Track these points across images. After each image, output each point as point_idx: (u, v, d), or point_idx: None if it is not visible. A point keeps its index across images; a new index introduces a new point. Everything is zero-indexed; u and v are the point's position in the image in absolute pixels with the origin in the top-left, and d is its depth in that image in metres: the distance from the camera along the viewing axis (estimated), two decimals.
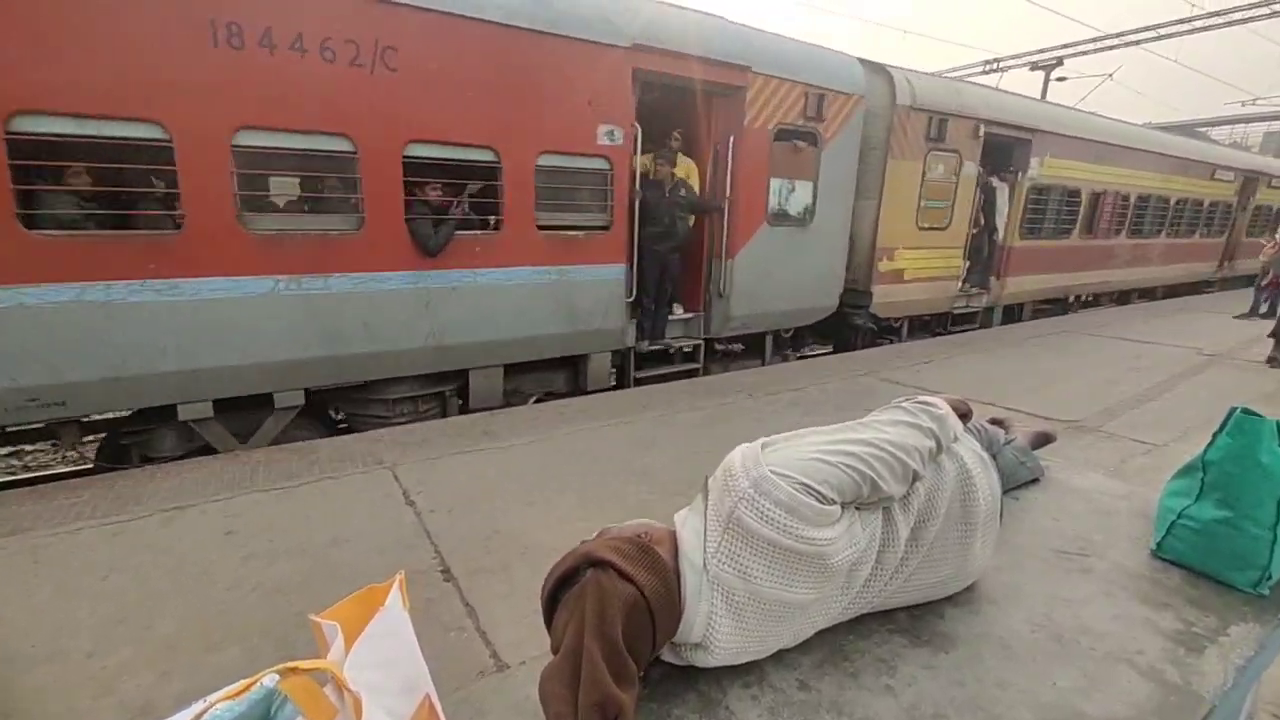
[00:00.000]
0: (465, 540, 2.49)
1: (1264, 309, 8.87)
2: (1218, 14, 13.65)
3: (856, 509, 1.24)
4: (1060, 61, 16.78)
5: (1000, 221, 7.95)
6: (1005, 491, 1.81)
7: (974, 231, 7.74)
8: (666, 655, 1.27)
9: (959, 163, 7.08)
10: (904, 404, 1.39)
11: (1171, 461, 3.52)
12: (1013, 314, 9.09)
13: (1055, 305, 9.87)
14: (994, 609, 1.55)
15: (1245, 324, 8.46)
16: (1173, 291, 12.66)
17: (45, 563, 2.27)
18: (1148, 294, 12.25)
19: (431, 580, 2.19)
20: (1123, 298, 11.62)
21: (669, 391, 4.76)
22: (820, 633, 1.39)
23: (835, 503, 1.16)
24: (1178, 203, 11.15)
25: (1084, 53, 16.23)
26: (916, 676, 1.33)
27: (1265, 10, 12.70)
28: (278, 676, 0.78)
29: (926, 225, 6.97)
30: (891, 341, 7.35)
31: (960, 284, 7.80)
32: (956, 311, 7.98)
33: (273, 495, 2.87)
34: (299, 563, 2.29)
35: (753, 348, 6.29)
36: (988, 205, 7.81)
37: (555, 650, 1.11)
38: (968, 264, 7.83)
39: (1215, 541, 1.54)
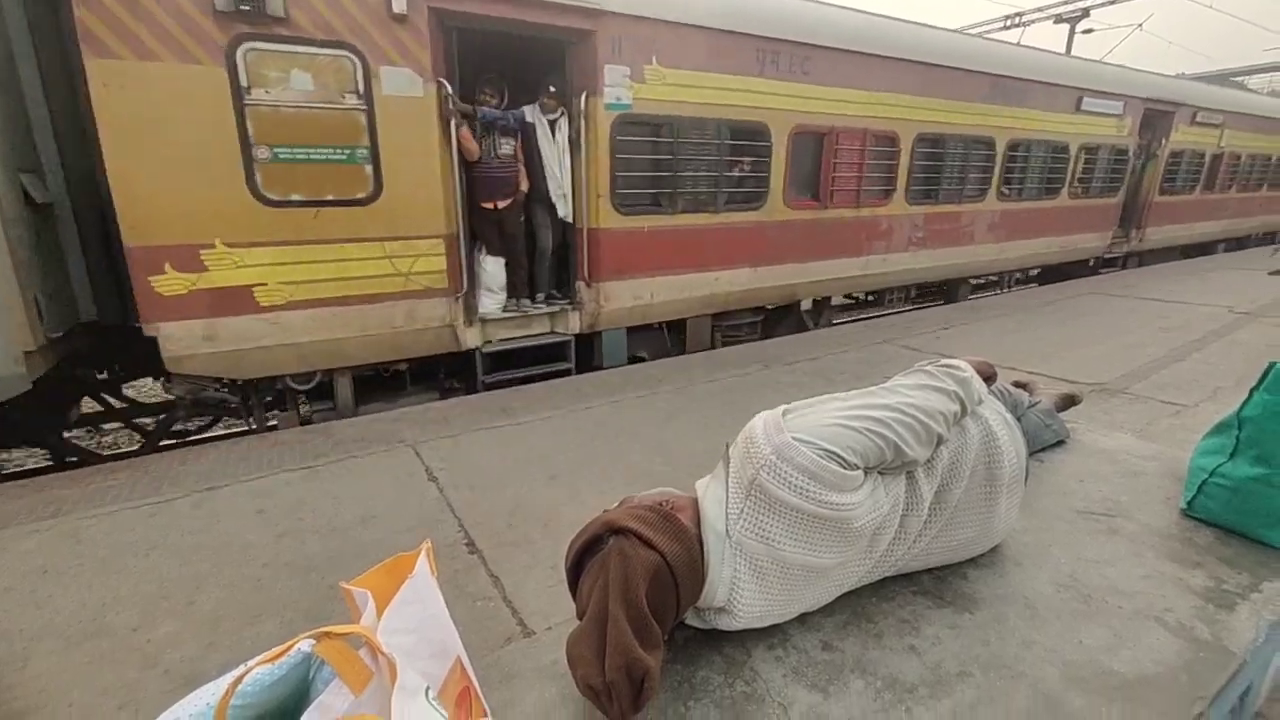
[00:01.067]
0: (488, 515, 2.53)
1: None
2: None
3: (880, 473, 1.23)
4: (1086, 13, 16.05)
5: (554, 186, 4.53)
6: (1030, 454, 1.79)
7: (498, 207, 4.35)
8: (691, 619, 1.29)
9: (361, 71, 3.60)
10: (927, 367, 1.37)
11: (1201, 422, 3.46)
12: (666, 342, 5.41)
13: (774, 316, 6.07)
14: (1018, 570, 1.55)
15: None
16: (1047, 277, 9.33)
17: (87, 543, 2.36)
18: (987, 286, 8.92)
19: (457, 553, 2.23)
20: (948, 292, 7.89)
21: (684, 364, 4.75)
22: (843, 595, 1.40)
23: (858, 468, 1.15)
24: (1013, 148, 7.21)
25: (1112, 2, 15.50)
26: (940, 636, 1.34)
27: None
28: (313, 641, 0.80)
29: (297, 197, 3.59)
30: (255, 426, 4.05)
31: (467, 300, 4.29)
32: (494, 349, 4.47)
33: (300, 475, 2.93)
34: (329, 540, 2.35)
35: None
36: (530, 158, 4.46)
37: (581, 616, 1.13)
38: (495, 265, 4.46)
39: (1249, 500, 1.51)
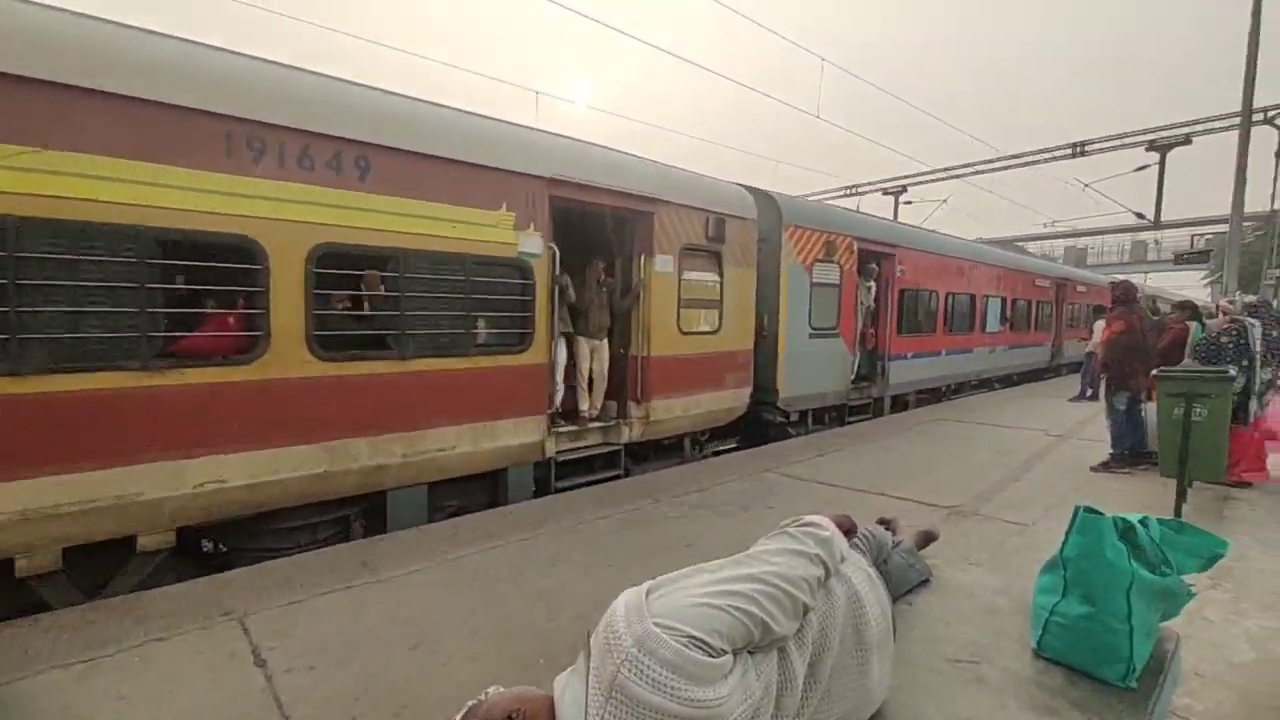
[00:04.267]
0: (328, 704, 2.11)
1: (1089, 392, 10.27)
2: (1015, 157, 16.94)
3: (750, 653, 1.17)
4: (905, 189, 19.83)
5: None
6: (898, 597, 1.83)
7: None
8: None
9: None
10: (790, 529, 1.39)
11: (1040, 541, 3.79)
12: None
13: None
14: None
15: (1078, 406, 9.73)
16: None
17: None
18: None
19: None
20: None
21: (572, 501, 4.56)
22: None
23: (726, 652, 1.08)
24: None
25: (923, 182, 19.34)
26: None
27: (1047, 155, 15.94)
28: None
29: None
30: None
31: None
32: None
33: (76, 673, 2.31)
34: None
35: None
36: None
37: None
38: None
39: (1084, 637, 1.62)
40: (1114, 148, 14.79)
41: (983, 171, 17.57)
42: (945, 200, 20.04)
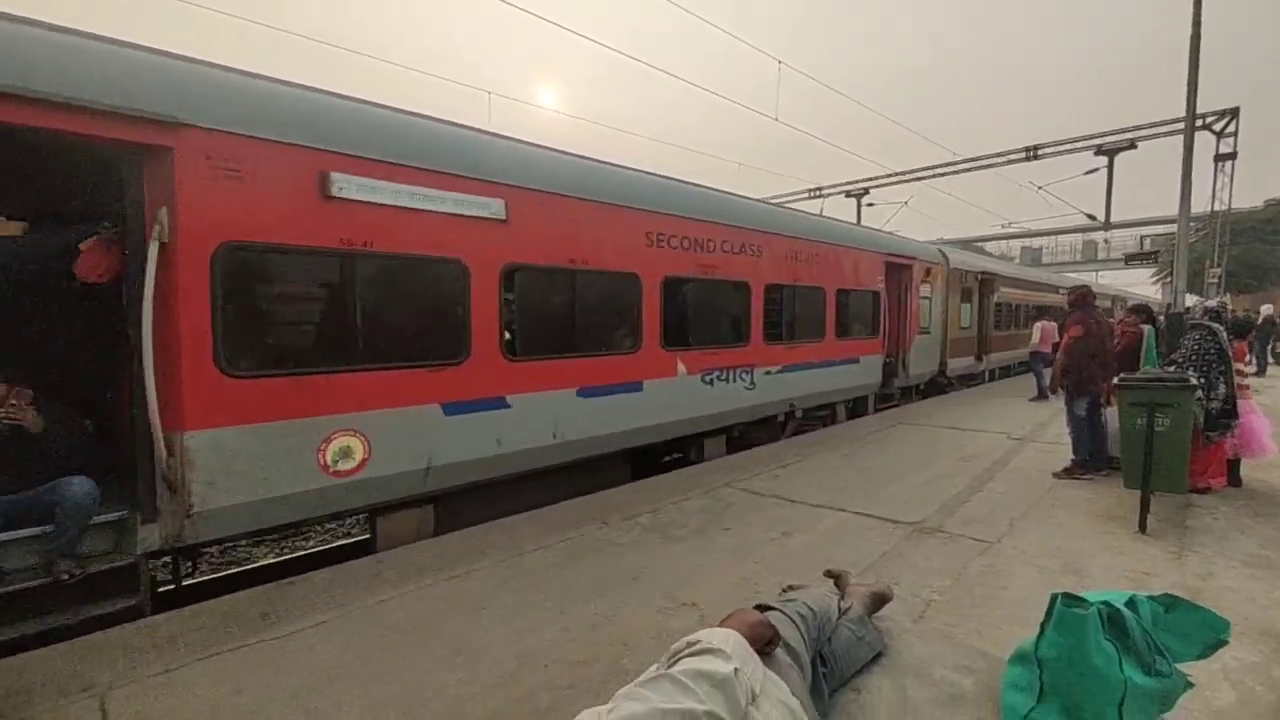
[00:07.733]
0: None
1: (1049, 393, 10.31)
2: (972, 160, 17.16)
3: None
4: (867, 191, 19.94)
5: None
6: (846, 682, 1.55)
7: None
8: None
9: None
10: (678, 671, 1.02)
11: (1005, 562, 3.59)
12: None
13: None
14: None
15: (1038, 406, 9.75)
16: None
17: None
18: None
19: None
20: None
21: (510, 528, 4.21)
22: None
23: None
24: None
25: (884, 185, 19.47)
26: None
27: (1003, 159, 16.19)
28: None
29: None
30: None
31: None
32: None
33: None
34: None
35: None
36: None
37: None
38: None
39: None
40: (1065, 151, 15.05)
41: (942, 174, 17.78)
42: (907, 202, 20.29)
